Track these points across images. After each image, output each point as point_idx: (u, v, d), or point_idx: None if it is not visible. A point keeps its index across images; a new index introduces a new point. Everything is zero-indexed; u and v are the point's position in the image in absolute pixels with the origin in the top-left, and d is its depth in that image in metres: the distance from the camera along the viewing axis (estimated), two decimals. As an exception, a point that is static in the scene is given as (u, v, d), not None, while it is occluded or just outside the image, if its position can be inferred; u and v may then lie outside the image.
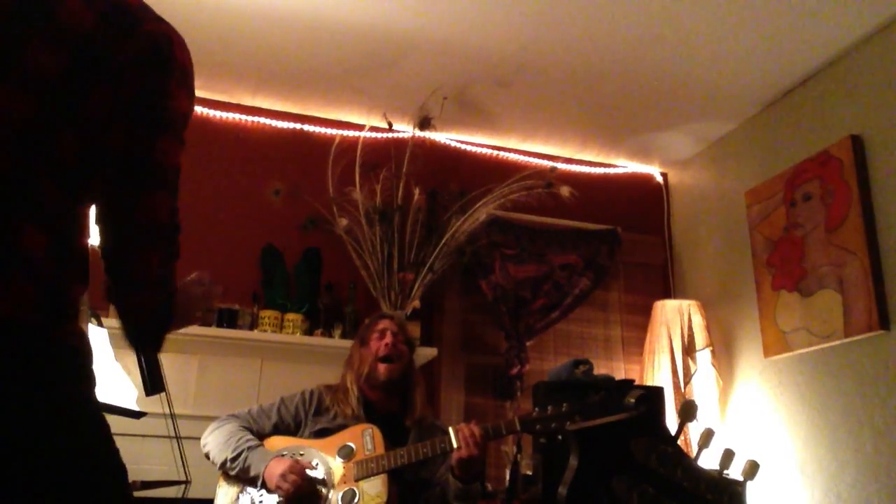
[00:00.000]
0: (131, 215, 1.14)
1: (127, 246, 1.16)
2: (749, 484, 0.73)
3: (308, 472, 2.21)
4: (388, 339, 2.47)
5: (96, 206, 1.16)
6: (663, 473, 0.71)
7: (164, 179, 1.16)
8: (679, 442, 0.84)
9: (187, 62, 1.20)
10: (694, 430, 3.22)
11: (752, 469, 0.74)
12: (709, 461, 0.73)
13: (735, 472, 0.71)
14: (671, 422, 3.20)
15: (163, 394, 1.48)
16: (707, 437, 0.75)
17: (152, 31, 1.15)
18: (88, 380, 1.07)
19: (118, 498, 1.07)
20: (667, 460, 0.72)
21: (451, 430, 2.19)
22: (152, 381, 1.40)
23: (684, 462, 0.72)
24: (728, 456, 0.74)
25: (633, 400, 0.76)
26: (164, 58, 1.15)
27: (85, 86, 1.07)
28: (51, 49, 1.05)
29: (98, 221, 1.16)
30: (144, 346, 1.31)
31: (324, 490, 2.20)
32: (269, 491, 2.18)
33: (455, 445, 2.15)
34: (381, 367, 2.44)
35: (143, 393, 1.43)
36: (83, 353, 1.06)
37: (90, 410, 1.07)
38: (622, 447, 0.72)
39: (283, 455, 2.27)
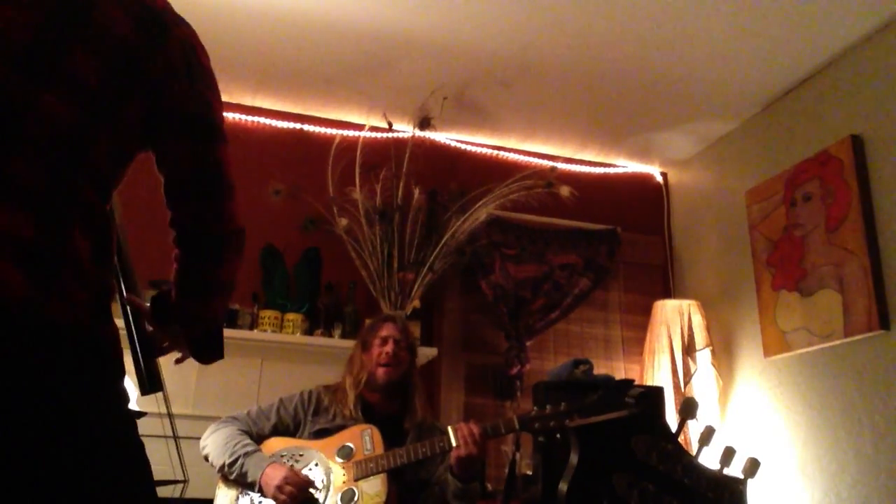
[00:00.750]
0: (213, 228, 1.23)
1: (212, 256, 1.24)
2: (749, 482, 0.73)
3: (306, 475, 2.21)
4: (390, 347, 2.46)
5: (175, 222, 1.23)
6: (664, 471, 0.71)
7: (230, 188, 1.23)
8: (679, 440, 0.84)
9: (210, 65, 1.25)
10: (693, 430, 3.22)
11: (752, 467, 0.74)
12: (709, 459, 0.72)
13: (735, 470, 0.71)
14: (671, 422, 3.20)
15: (160, 393, 1.48)
16: (708, 434, 0.75)
17: (180, 36, 1.19)
18: (123, 377, 1.11)
19: (151, 489, 1.13)
20: (667, 458, 0.72)
21: (450, 428, 2.19)
22: (150, 380, 1.40)
23: (685, 460, 0.72)
24: (728, 454, 0.74)
25: (633, 398, 0.76)
26: (198, 67, 1.20)
27: (122, 93, 1.10)
28: (92, 56, 1.07)
29: (179, 234, 1.23)
30: (213, 354, 1.36)
31: (323, 491, 2.20)
32: (267, 497, 2.18)
33: (454, 444, 2.15)
34: (381, 371, 2.44)
35: (140, 392, 1.42)
36: (120, 353, 1.10)
37: (125, 407, 1.11)
38: (623, 445, 0.72)
39: (282, 456, 2.28)
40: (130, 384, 2.13)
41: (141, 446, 1.09)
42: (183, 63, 1.17)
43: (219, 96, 1.25)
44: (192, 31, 1.24)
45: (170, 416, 2.00)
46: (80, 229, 1.03)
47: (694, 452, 0.76)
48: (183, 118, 1.17)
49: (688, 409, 0.76)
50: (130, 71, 1.11)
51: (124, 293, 1.39)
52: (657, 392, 3.00)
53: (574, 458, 0.69)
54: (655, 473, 0.71)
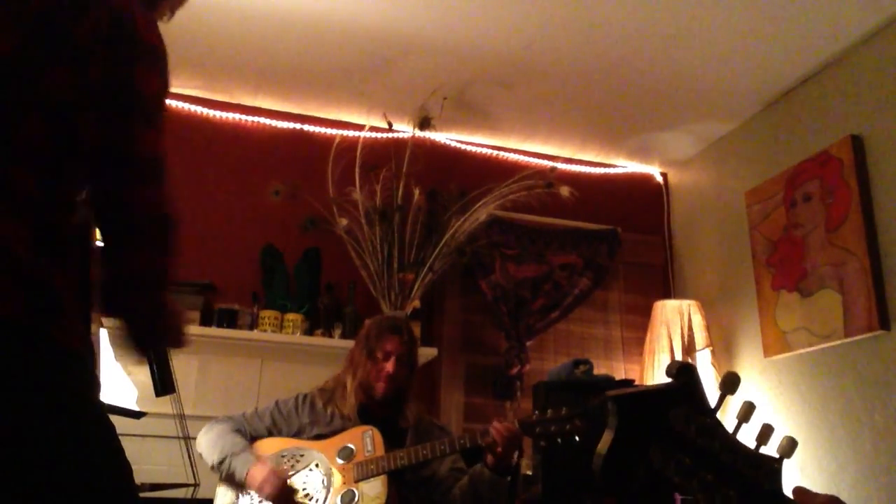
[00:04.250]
0: (120, 211, 1.10)
1: (120, 243, 1.11)
2: (786, 461, 0.73)
3: (287, 474, 2.21)
4: (391, 367, 2.41)
5: (93, 205, 1.11)
6: (701, 445, 0.71)
7: (147, 171, 1.11)
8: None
9: (156, 41, 1.14)
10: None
11: (789, 446, 0.73)
12: (745, 436, 0.73)
13: (771, 449, 0.71)
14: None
15: (171, 395, 1.46)
16: (748, 411, 0.75)
17: (110, 4, 1.09)
18: (86, 380, 1.03)
19: (122, 498, 1.03)
20: (705, 432, 0.71)
21: (489, 429, 2.20)
22: (163, 382, 1.38)
23: (722, 435, 0.72)
24: (766, 432, 0.74)
25: (673, 370, 0.76)
26: (129, 37, 1.09)
27: (40, 65, 1.01)
28: (7, 29, 0.99)
29: (95, 220, 1.12)
30: (155, 344, 1.27)
31: (323, 491, 2.20)
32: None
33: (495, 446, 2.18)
34: (379, 387, 2.41)
35: (154, 394, 1.40)
36: (79, 353, 1.01)
37: (89, 411, 1.02)
38: (661, 417, 0.72)
39: (282, 456, 2.28)
40: (133, 385, 2.14)
41: (111, 455, 1.01)
42: (107, 29, 1.06)
43: (156, 73, 1.13)
44: (136, 3, 1.13)
45: (182, 417, 1.99)
46: (7, 213, 0.94)
47: (731, 429, 0.76)
48: (101, 88, 1.06)
49: (729, 383, 0.76)
50: (49, 41, 1.01)
51: None
52: (694, 367, 2.99)
53: (612, 425, 0.69)
54: (693, 447, 0.71)
